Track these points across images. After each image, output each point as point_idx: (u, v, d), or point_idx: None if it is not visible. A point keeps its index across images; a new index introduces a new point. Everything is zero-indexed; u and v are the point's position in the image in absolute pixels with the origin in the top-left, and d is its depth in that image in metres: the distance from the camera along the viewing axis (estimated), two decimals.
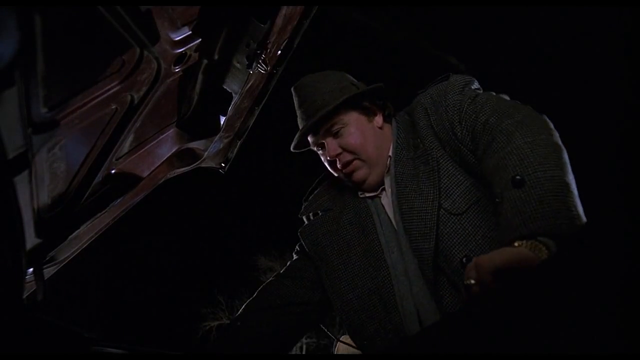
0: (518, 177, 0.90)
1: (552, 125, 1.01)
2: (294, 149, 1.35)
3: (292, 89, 1.34)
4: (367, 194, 1.28)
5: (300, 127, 1.29)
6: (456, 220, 1.07)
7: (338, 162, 1.25)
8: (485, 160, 1.02)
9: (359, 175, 1.24)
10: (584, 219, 0.87)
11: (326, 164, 1.32)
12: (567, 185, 0.89)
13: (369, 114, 1.27)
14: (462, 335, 0.68)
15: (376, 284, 1.17)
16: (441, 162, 1.11)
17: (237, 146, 1.99)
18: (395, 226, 1.18)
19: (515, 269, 0.80)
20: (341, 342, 1.78)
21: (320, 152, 1.32)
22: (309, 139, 1.32)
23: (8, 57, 0.74)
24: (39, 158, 1.11)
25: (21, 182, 1.00)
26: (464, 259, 1.03)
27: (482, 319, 0.68)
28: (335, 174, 1.31)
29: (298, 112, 1.30)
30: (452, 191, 1.09)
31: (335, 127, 1.24)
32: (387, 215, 1.22)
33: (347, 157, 1.24)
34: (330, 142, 1.25)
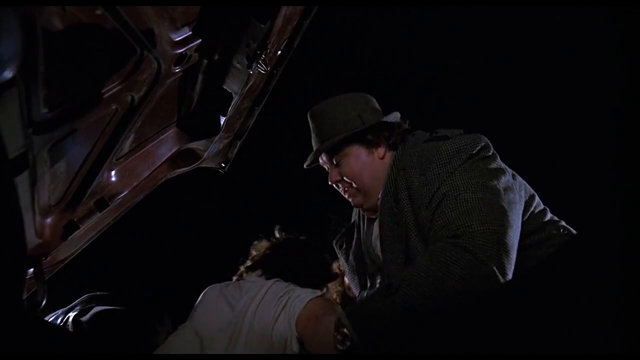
0: (395, 284, 1.03)
1: (461, 262, 1.03)
2: (306, 167, 1.52)
3: (307, 114, 1.48)
4: (367, 215, 1.44)
5: (313, 152, 1.47)
6: (401, 269, 1.24)
7: (340, 186, 1.42)
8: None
9: (355, 201, 1.41)
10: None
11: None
12: (393, 312, 1.01)
13: (371, 146, 1.39)
14: (462, 335, 0.68)
15: (361, 272, 1.46)
16: (409, 231, 1.23)
17: (237, 146, 2.00)
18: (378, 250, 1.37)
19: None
20: None
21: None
22: (319, 160, 1.47)
23: (8, 57, 0.74)
24: (40, 158, 1.11)
25: (21, 182, 1.00)
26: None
27: (481, 319, 0.68)
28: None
29: (312, 136, 1.47)
30: (410, 253, 1.24)
31: (336, 159, 1.39)
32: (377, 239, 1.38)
33: (346, 184, 1.40)
34: (331, 170, 1.41)
